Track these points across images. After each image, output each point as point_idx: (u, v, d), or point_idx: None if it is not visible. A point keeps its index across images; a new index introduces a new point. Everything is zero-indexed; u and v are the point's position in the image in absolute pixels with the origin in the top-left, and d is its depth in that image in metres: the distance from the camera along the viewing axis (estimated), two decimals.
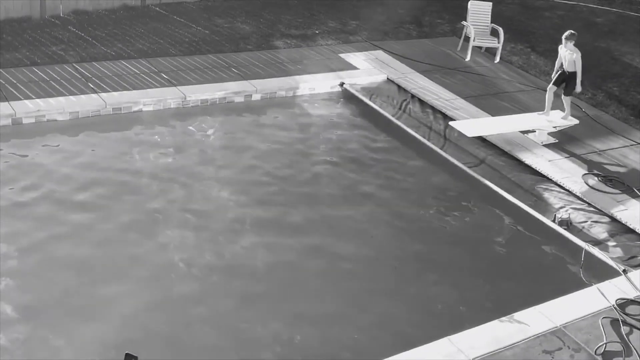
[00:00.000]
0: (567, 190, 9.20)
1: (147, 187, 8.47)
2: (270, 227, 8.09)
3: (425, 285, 7.56)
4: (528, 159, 9.81)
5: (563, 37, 10.29)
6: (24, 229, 7.42)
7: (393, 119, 10.75)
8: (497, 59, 13.35)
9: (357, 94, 11.40)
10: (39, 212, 7.72)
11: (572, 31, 10.28)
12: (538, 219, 8.65)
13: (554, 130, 10.47)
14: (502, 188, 9.16)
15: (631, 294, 7.31)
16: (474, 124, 10.46)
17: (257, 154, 9.54)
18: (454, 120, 10.65)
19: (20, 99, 9.39)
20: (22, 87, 9.70)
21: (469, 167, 9.61)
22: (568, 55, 10.29)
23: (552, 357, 6.32)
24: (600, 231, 8.49)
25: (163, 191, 8.44)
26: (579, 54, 10.22)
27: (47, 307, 6.50)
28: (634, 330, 6.79)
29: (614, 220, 8.70)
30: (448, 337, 6.35)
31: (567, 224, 8.50)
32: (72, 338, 6.21)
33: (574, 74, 10.32)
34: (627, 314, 7.00)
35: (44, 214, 7.70)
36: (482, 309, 7.13)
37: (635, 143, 10.73)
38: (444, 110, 11.01)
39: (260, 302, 6.95)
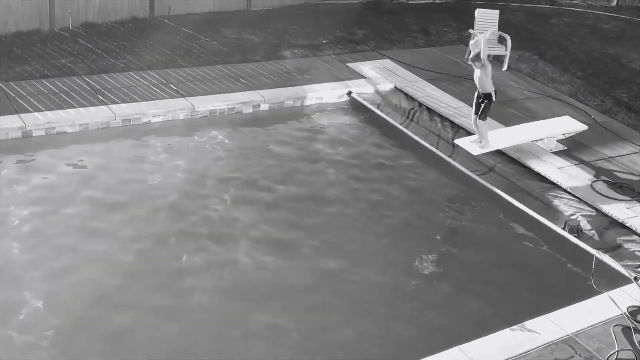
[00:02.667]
0: (577, 197, 9.17)
1: (157, 198, 8.50)
2: (279, 236, 8.09)
3: (435, 293, 7.55)
4: (537, 166, 9.79)
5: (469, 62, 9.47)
6: (35, 241, 7.46)
7: (401, 127, 10.76)
8: (505, 66, 13.34)
9: (364, 102, 11.42)
10: (49, 224, 7.75)
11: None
12: (548, 227, 8.62)
13: (562, 137, 10.44)
14: (511, 196, 9.13)
15: None
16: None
17: (266, 163, 9.56)
18: (462, 126, 10.64)
19: (30, 112, 9.45)
20: (32, 100, 9.76)
21: (478, 175, 9.60)
22: (478, 74, 9.40)
23: None
24: (610, 238, 8.45)
25: (172, 202, 8.47)
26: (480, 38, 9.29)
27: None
28: None
29: (624, 227, 8.66)
30: (459, 345, 6.33)
31: (577, 231, 8.47)
32: None
33: (487, 95, 9.44)
34: (638, 322, 6.95)
35: (54, 226, 7.73)
36: (493, 317, 7.10)
37: None
38: (452, 118, 11.01)
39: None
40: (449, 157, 10.02)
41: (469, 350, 6.30)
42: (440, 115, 11.16)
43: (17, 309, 6.52)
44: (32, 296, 6.72)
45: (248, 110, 10.74)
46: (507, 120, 11.07)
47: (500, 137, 10.35)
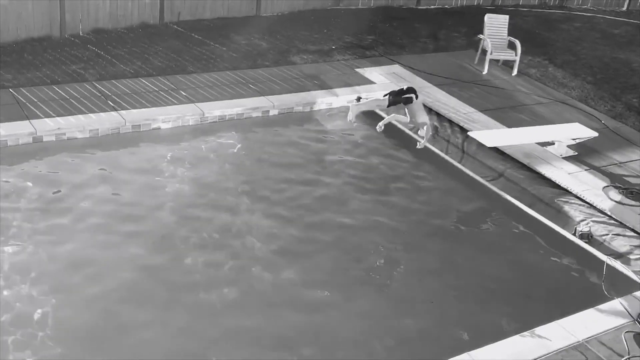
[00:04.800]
0: (588, 203, 9.13)
1: (167, 203, 8.51)
2: (290, 243, 8.10)
3: (445, 299, 7.52)
4: (547, 171, 9.76)
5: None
6: (44, 247, 7.48)
7: (410, 132, 10.74)
8: (515, 71, 13.32)
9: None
10: (58, 230, 7.77)
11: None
12: (558, 233, 8.59)
13: (573, 143, 10.40)
14: (521, 201, 9.11)
15: None
16: (493, 134, 10.42)
17: (276, 169, 9.57)
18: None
19: (41, 117, 9.49)
20: (42, 106, 9.81)
21: (488, 181, 9.57)
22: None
23: None
24: (621, 244, 8.40)
25: (183, 207, 8.48)
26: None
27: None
28: None
29: (635, 233, 8.62)
30: (468, 352, 6.31)
31: (588, 237, 8.43)
32: None
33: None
34: None
35: (63, 233, 7.76)
36: (503, 324, 7.07)
37: None
38: (461, 124, 10.99)
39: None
40: (459, 162, 10.00)
41: (479, 357, 6.27)
42: (450, 121, 11.15)
43: (25, 317, 6.55)
44: (41, 302, 6.73)
45: (257, 115, 10.76)
46: (516, 125, 11.04)
47: (505, 136, 10.33)
